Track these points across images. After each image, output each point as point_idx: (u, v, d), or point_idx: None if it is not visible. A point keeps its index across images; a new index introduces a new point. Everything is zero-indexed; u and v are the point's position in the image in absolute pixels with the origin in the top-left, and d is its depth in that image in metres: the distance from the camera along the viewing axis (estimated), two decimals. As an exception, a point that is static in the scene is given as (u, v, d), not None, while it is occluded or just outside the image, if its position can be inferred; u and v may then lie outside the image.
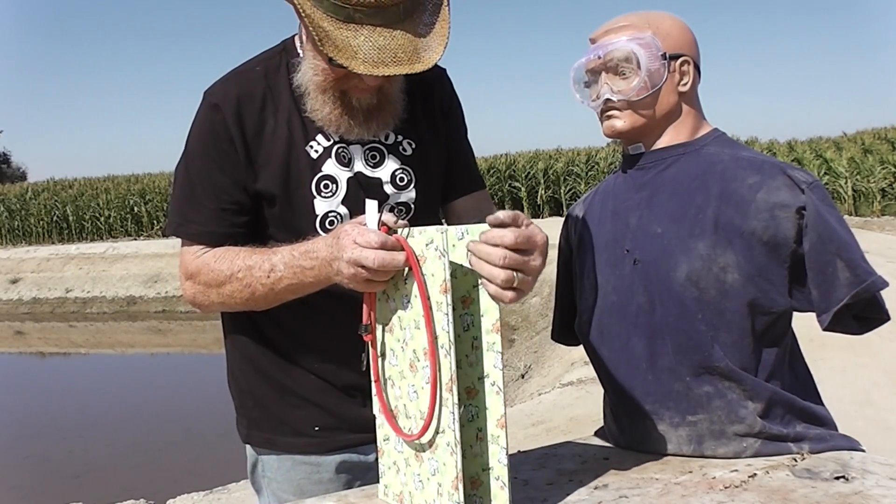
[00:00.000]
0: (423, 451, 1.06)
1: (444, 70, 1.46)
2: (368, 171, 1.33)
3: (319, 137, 1.31)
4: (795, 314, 1.29)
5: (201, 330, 13.29)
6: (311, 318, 1.32)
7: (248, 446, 1.44)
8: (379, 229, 1.06)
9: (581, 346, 1.48)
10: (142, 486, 5.36)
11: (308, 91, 1.28)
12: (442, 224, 1.41)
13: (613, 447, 1.41)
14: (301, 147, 1.30)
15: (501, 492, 1.03)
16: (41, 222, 22.30)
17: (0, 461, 6.89)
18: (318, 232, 1.29)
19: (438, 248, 1.00)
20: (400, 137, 1.36)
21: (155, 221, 20.95)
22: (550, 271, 1.45)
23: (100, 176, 26.65)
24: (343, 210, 1.31)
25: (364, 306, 1.13)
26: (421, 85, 1.37)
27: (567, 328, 1.54)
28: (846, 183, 15.30)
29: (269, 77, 1.33)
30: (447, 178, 1.44)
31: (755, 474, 1.17)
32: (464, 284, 1.05)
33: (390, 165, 1.35)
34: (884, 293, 1.23)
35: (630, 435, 1.37)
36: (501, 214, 1.01)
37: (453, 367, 0.99)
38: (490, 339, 1.03)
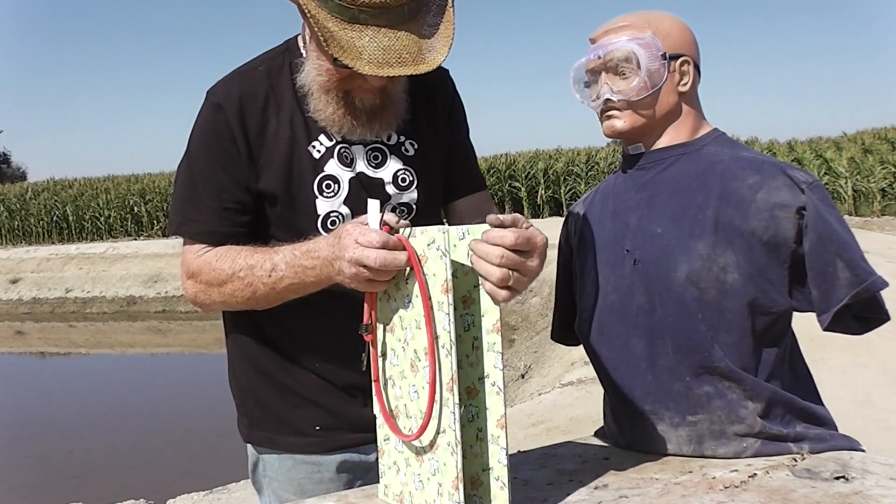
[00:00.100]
0: (424, 451, 1.06)
1: (448, 71, 1.46)
2: (370, 172, 1.33)
3: (322, 137, 1.31)
4: (795, 314, 1.29)
5: (201, 330, 13.29)
6: (313, 318, 1.32)
7: (249, 446, 1.44)
8: (381, 229, 1.07)
9: (581, 346, 1.49)
10: (142, 486, 5.36)
11: (311, 91, 1.28)
12: (443, 224, 1.42)
13: (613, 447, 1.41)
14: (303, 147, 1.30)
15: (501, 492, 1.03)
16: (41, 222, 22.30)
17: (0, 461, 6.89)
18: (319, 232, 1.29)
19: (440, 247, 1.00)
20: (402, 138, 1.37)
21: (155, 221, 20.95)
22: (550, 271, 1.45)
23: (100, 176, 26.67)
24: (345, 210, 1.31)
25: (365, 306, 1.13)
26: (423, 85, 1.37)
27: (567, 328, 1.54)
28: (846, 183, 15.30)
29: (271, 77, 1.33)
30: (448, 178, 1.44)
31: (755, 474, 1.17)
32: (465, 284, 1.05)
33: (392, 166, 1.35)
34: (884, 293, 1.23)
35: (630, 435, 1.37)
36: (502, 216, 1.02)
37: (454, 367, 0.99)
38: (490, 339, 1.03)
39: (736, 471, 1.19)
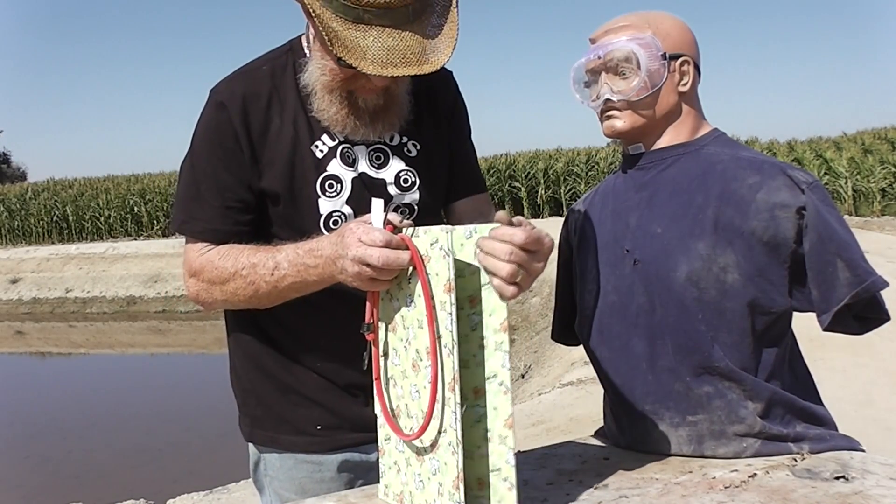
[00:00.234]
0: (425, 451, 1.06)
1: (451, 72, 1.46)
2: (372, 172, 1.33)
3: (325, 137, 1.31)
4: (795, 314, 1.29)
5: (201, 330, 13.30)
6: (314, 317, 1.32)
7: (250, 445, 1.44)
8: (384, 228, 1.07)
9: (581, 346, 1.49)
10: (142, 486, 5.36)
11: (315, 91, 1.28)
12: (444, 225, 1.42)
13: (613, 447, 1.41)
14: (306, 147, 1.31)
15: (509, 493, 1.02)
16: (41, 222, 22.29)
17: (0, 461, 6.89)
18: (321, 231, 1.29)
19: (443, 247, 1.00)
20: (405, 139, 1.37)
21: (155, 221, 20.95)
22: (550, 271, 1.45)
23: (100, 176, 26.68)
24: (347, 210, 1.31)
25: (367, 305, 1.14)
26: (427, 86, 1.37)
27: (567, 328, 1.54)
28: (846, 183, 15.30)
29: (275, 76, 1.33)
30: (449, 179, 1.44)
31: (755, 474, 1.17)
32: (471, 284, 1.05)
33: (395, 166, 1.35)
34: (884, 293, 1.23)
35: (630, 435, 1.37)
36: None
37: (456, 367, 0.99)
38: (497, 338, 1.03)
39: (736, 471, 1.19)
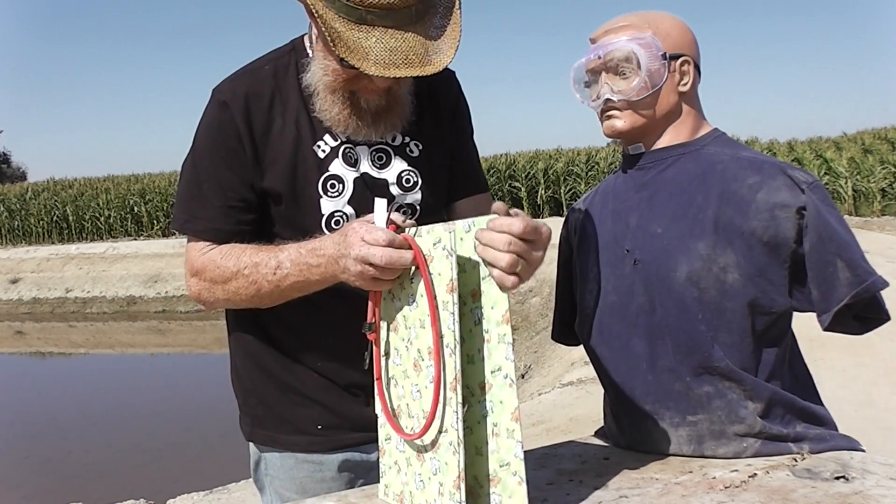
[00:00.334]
0: (426, 451, 1.06)
1: (454, 73, 1.46)
2: (374, 172, 1.33)
3: (327, 137, 1.31)
4: (795, 314, 1.29)
5: (201, 330, 13.30)
6: (315, 317, 1.32)
7: (251, 444, 1.44)
8: (387, 228, 1.07)
9: (581, 346, 1.49)
10: (142, 486, 5.37)
11: (317, 91, 1.28)
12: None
13: (613, 447, 1.41)
14: (308, 146, 1.31)
15: (519, 487, 1.01)
16: (41, 222, 22.28)
17: (0, 461, 6.89)
18: (323, 231, 1.29)
19: (446, 247, 1.00)
20: (407, 139, 1.37)
21: (155, 221, 20.95)
22: (550, 271, 1.45)
23: (100, 176, 26.68)
24: (349, 210, 1.31)
25: (369, 304, 1.14)
26: (429, 86, 1.38)
27: (567, 328, 1.54)
28: (846, 183, 15.30)
29: (277, 76, 1.33)
30: (451, 179, 1.45)
31: (755, 474, 1.17)
32: (472, 278, 1.04)
33: (397, 167, 1.35)
34: (884, 293, 1.23)
35: (630, 435, 1.37)
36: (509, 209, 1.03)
37: (458, 367, 0.99)
38: (500, 330, 1.02)
39: (736, 471, 1.19)
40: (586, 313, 1.41)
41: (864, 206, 15.42)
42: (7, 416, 8.55)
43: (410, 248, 1.05)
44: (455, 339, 0.99)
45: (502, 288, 1.01)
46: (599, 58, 1.35)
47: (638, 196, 1.37)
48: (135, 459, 6.61)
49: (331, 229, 1.29)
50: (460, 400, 0.99)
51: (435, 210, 1.40)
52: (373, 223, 1.08)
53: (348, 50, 1.14)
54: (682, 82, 1.34)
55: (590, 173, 18.68)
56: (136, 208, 21.42)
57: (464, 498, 0.99)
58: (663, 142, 1.37)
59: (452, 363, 0.99)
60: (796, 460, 1.22)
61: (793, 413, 1.28)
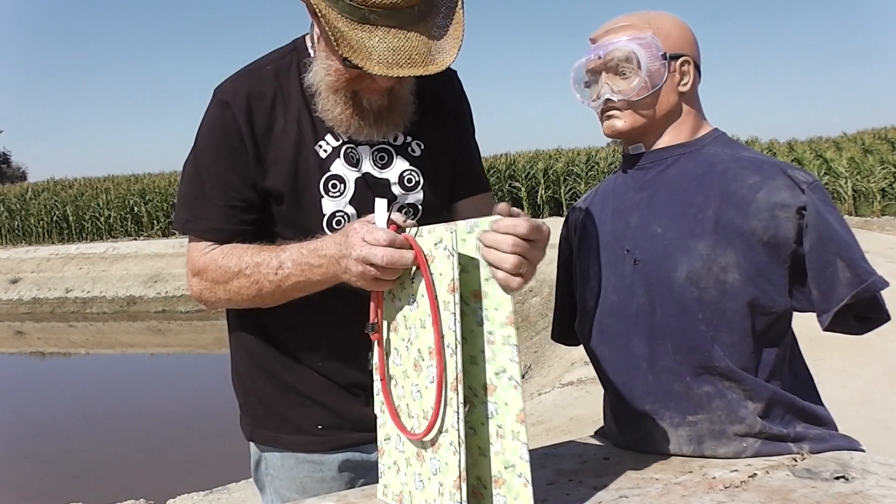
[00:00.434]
0: (426, 451, 1.06)
1: (455, 72, 1.46)
2: (376, 172, 1.33)
3: (329, 137, 1.31)
4: (795, 314, 1.30)
5: (201, 330, 13.30)
6: (316, 317, 1.32)
7: (251, 444, 1.45)
8: (388, 228, 1.07)
9: (581, 346, 1.49)
10: (142, 486, 5.36)
11: (320, 91, 1.28)
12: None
13: (613, 447, 1.41)
14: (310, 146, 1.31)
15: (525, 489, 1.00)
16: (41, 222, 22.28)
17: (0, 461, 6.89)
18: (325, 231, 1.29)
19: (447, 247, 1.00)
20: (409, 139, 1.37)
21: (155, 221, 20.95)
22: (550, 271, 1.45)
23: (100, 176, 26.68)
24: (350, 210, 1.31)
25: (371, 305, 1.14)
26: (431, 86, 1.38)
27: (567, 328, 1.54)
28: (846, 183, 15.30)
29: (279, 76, 1.33)
30: (452, 179, 1.44)
31: (755, 474, 1.17)
32: (475, 278, 1.04)
33: (399, 166, 1.35)
34: (884, 293, 1.23)
35: (630, 435, 1.37)
36: (512, 209, 1.02)
37: (459, 367, 0.99)
38: (504, 332, 1.02)
39: (736, 471, 1.20)
40: (586, 313, 1.41)
41: (864, 206, 15.42)
42: (7, 416, 8.54)
43: (411, 248, 1.05)
44: (456, 339, 0.99)
45: (507, 290, 1.01)
46: (599, 58, 1.35)
47: (638, 196, 1.37)
48: (135, 459, 6.60)
49: (332, 229, 1.29)
50: (461, 400, 0.99)
51: (437, 210, 1.40)
52: (373, 223, 1.08)
53: (351, 49, 1.14)
54: (683, 82, 1.34)
55: (590, 173, 18.68)
56: (136, 208, 21.42)
57: (464, 498, 0.99)
58: (663, 142, 1.37)
59: (453, 363, 0.99)
60: (796, 460, 1.22)
61: (793, 413, 1.28)
